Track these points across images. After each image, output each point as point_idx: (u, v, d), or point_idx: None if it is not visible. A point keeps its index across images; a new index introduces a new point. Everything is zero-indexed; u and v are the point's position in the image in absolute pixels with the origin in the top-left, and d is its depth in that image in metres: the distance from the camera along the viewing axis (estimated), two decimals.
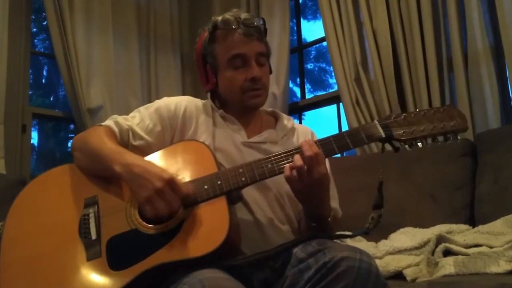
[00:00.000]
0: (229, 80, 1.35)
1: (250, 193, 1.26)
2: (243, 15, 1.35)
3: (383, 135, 1.19)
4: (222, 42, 1.35)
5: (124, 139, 1.30)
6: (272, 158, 1.17)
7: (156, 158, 1.25)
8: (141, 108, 1.39)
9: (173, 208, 1.09)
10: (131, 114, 1.38)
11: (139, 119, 1.34)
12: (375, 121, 1.22)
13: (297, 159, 1.13)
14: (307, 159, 1.12)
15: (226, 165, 1.26)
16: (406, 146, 1.20)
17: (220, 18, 1.35)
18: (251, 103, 1.36)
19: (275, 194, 1.30)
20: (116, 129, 1.30)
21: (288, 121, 1.47)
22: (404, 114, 1.22)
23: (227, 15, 1.35)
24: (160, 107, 1.36)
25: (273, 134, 1.40)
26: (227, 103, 1.41)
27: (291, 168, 1.13)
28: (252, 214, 1.26)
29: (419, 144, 1.19)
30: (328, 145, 1.18)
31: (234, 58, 1.33)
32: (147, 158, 1.25)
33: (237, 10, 1.39)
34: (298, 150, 1.17)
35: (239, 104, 1.37)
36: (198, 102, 1.43)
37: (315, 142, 1.18)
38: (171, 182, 1.08)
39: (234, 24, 1.33)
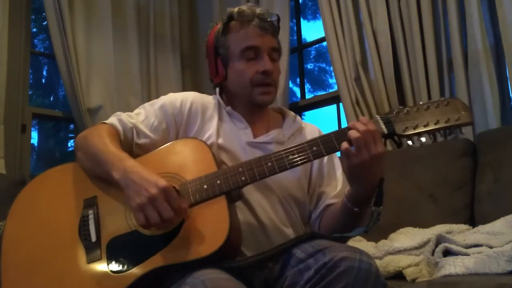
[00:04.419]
0: (240, 71, 1.32)
1: (253, 195, 1.25)
2: (258, 10, 1.34)
3: (385, 131, 1.15)
4: (236, 33, 1.33)
5: (128, 138, 1.29)
6: (272, 156, 1.15)
7: (155, 157, 1.24)
8: (146, 105, 1.37)
9: (165, 217, 1.04)
10: (136, 111, 1.36)
11: (144, 116, 1.33)
12: (377, 116, 1.19)
13: (354, 132, 1.11)
14: (363, 133, 1.10)
15: (230, 165, 1.24)
16: (409, 141, 1.16)
17: (236, 9, 1.34)
18: (259, 99, 1.33)
19: (278, 196, 1.29)
20: (120, 128, 1.28)
21: (295, 119, 1.45)
22: (406, 108, 1.18)
23: (243, 7, 1.34)
24: (165, 104, 1.35)
25: (280, 134, 1.38)
26: (235, 99, 1.38)
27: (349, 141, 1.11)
28: (255, 216, 1.25)
29: (422, 139, 1.16)
30: (329, 142, 1.15)
31: (247, 49, 1.31)
32: (146, 156, 1.24)
33: (252, 4, 1.39)
34: (300, 146, 1.15)
35: (247, 99, 1.34)
36: (205, 98, 1.41)
37: (313, 139, 1.16)
38: (166, 191, 1.05)
39: (249, 16, 1.32)
